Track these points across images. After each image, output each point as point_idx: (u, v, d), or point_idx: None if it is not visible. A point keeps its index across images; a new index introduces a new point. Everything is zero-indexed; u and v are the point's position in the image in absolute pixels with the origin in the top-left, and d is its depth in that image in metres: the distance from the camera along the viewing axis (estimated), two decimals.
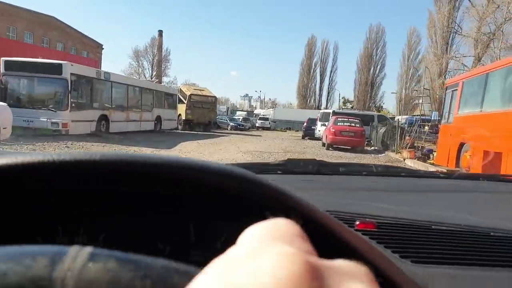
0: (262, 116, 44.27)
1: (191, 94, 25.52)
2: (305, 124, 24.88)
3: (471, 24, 37.40)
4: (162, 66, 68.08)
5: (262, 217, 0.31)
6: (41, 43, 36.31)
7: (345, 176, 1.34)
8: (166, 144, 14.62)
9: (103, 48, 48.95)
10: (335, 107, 66.68)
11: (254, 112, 56.60)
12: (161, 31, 69.41)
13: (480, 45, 35.66)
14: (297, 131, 44.59)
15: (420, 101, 19.92)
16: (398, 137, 15.63)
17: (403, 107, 53.94)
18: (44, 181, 0.37)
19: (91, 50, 45.57)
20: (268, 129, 41.54)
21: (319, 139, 22.56)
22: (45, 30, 37.02)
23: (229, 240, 0.38)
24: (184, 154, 12.09)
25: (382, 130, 18.09)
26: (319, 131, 21.87)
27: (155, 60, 69.05)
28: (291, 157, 5.86)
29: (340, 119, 16.72)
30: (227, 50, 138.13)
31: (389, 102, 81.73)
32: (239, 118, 40.15)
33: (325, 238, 0.39)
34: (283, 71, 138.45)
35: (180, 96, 26.27)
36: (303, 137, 25.22)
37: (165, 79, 62.28)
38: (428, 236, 0.68)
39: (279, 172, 1.23)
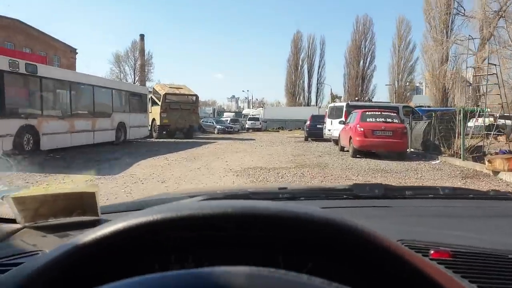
0: (252, 116, 38.87)
1: (166, 93, 20.04)
2: (308, 122, 19.56)
3: (473, 4, 32.57)
4: (145, 70, 63.37)
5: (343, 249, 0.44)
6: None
7: (412, 200, 1.25)
8: (117, 164, 9.21)
9: (76, 53, 43.29)
10: (325, 103, 62.45)
11: (243, 113, 51.20)
12: (143, 35, 64.21)
13: (485, 25, 30.86)
14: (291, 130, 39.63)
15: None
16: (458, 136, 10.48)
17: (397, 98, 49.55)
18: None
19: (63, 54, 39.86)
20: (259, 130, 36.24)
21: (328, 140, 17.31)
22: (8, 34, 31.23)
23: (314, 268, 0.45)
24: (132, 184, 6.80)
25: (422, 125, 12.90)
26: (330, 130, 16.59)
27: (137, 64, 64.34)
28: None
29: (370, 113, 11.46)
30: (211, 53, 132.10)
31: (381, 95, 77.20)
32: (227, 120, 34.67)
33: (406, 272, 0.42)
34: (269, 70, 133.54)
35: (153, 97, 20.80)
36: (306, 139, 19.94)
37: (148, 84, 57.24)
38: (505, 266, 0.64)
39: (345, 197, 1.19)
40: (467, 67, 33.00)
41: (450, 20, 38.12)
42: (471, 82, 40.00)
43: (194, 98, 21.07)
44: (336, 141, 16.18)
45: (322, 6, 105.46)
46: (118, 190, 6.16)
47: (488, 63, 12.03)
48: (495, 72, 11.97)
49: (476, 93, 39.30)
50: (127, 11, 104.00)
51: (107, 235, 0.43)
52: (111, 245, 0.43)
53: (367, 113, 11.48)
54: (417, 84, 66.08)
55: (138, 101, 17.28)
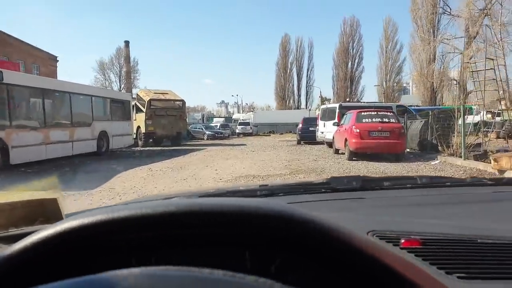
0: (242, 121, 38.09)
1: (150, 99, 19.16)
2: (300, 125, 18.85)
3: (459, 3, 32.56)
4: (131, 77, 62.37)
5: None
6: None
7: (390, 191, 1.25)
8: (95, 177, 8.39)
9: (57, 61, 42.15)
10: (315, 105, 62.01)
11: (233, 118, 50.38)
12: (128, 41, 63.36)
13: (471, 24, 30.76)
14: (282, 134, 39.01)
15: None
16: (457, 134, 9.87)
17: (385, 99, 49.40)
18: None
19: (43, 63, 38.61)
20: (250, 134, 35.53)
21: (321, 143, 16.64)
22: None
23: (283, 264, 0.46)
24: (109, 200, 6.04)
25: (418, 125, 12.28)
26: (322, 133, 15.91)
27: (122, 71, 63.39)
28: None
29: (366, 113, 10.80)
30: (198, 58, 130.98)
31: (369, 96, 77.31)
32: (217, 125, 33.85)
33: (366, 264, 0.44)
34: (258, 74, 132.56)
35: (137, 103, 19.90)
36: (298, 142, 19.23)
37: (134, 91, 56.16)
38: (474, 251, 0.65)
39: (323, 190, 1.19)
40: (463, 63, 32.91)
41: (437, 19, 38.01)
42: (457, 80, 39.95)
43: (180, 103, 20.22)
44: (330, 144, 15.50)
45: (310, 8, 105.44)
46: (93, 208, 5.34)
47: (486, 58, 11.41)
48: (493, 67, 11.39)
49: (465, 91, 39.13)
50: (111, 18, 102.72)
51: (48, 237, 0.43)
52: (58, 245, 0.43)
53: (362, 113, 10.81)
54: (404, 84, 66.28)
55: (120, 108, 16.37)
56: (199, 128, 30.31)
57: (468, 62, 12.09)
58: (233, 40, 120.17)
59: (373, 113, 10.80)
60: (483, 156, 8.96)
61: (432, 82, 38.71)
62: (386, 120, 10.50)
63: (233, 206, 0.45)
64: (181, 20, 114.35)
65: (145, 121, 19.00)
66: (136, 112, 19.89)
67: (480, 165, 8.31)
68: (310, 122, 18.57)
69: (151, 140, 19.95)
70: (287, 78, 62.07)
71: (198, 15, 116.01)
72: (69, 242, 0.43)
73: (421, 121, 12.16)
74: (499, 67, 29.85)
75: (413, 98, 52.02)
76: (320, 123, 16.20)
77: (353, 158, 10.62)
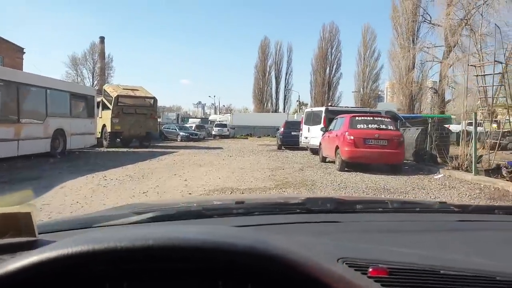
0: (219, 123, 36.32)
1: (118, 95, 17.23)
2: (281, 129, 17.37)
3: (439, 12, 32.31)
4: (105, 74, 59.61)
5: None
6: None
7: (362, 214, 1.27)
8: (32, 187, 6.61)
9: (24, 52, 39.25)
10: (292, 110, 61.17)
11: (209, 119, 48.50)
12: (103, 37, 61.24)
13: (450, 33, 30.46)
14: (260, 137, 37.57)
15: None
16: (465, 146, 8.65)
17: (362, 105, 48.97)
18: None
19: (8, 54, 35.76)
20: (227, 137, 33.86)
21: (304, 148, 15.26)
22: None
23: None
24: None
25: (414, 133, 11.03)
26: (306, 138, 14.52)
27: (96, 67, 60.69)
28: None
29: (361, 118, 9.43)
30: (177, 58, 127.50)
31: (347, 102, 77.22)
32: (192, 126, 31.98)
33: None
34: (237, 76, 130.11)
35: (104, 99, 17.93)
36: (279, 147, 17.75)
37: None
38: (437, 282, 0.66)
39: (298, 211, 1.20)
40: (442, 72, 32.37)
41: (416, 27, 37.68)
42: (435, 88, 39.65)
43: (151, 101, 18.36)
44: (314, 150, 14.15)
45: (289, 14, 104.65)
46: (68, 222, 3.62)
47: (495, 61, 10.29)
48: (501, 72, 10.29)
49: (443, 100, 38.48)
50: (86, 12, 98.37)
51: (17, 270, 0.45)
52: (33, 276, 0.45)
53: (357, 118, 9.42)
54: (379, 92, 66.58)
55: (82, 104, 14.42)
56: (172, 129, 28.39)
57: (473, 65, 11.01)
58: (212, 41, 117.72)
59: (368, 118, 9.44)
60: (495, 172, 7.73)
61: (411, 90, 38.35)
62: (384, 126, 9.15)
63: (208, 242, 0.49)
64: (160, 19, 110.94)
65: (111, 119, 17.08)
66: (102, 109, 17.95)
67: (499, 183, 7.03)
68: (293, 126, 17.15)
69: (118, 140, 18.08)
70: (266, 81, 61.46)
71: (177, 14, 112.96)
72: (43, 273, 0.44)
73: (417, 129, 10.93)
74: (479, 78, 29.33)
75: (388, 105, 52.03)
76: (304, 127, 14.80)
77: (345, 169, 9.22)
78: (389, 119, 9.68)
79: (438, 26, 31.74)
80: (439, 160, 9.69)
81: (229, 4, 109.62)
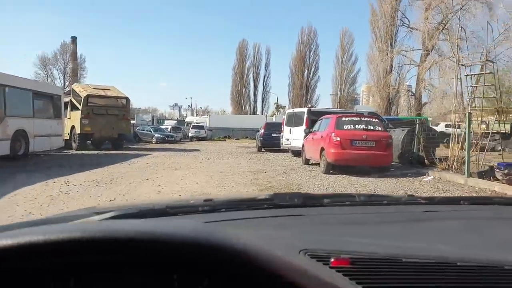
0: (196, 124, 35.34)
1: (88, 95, 16.17)
2: (261, 131, 16.73)
3: (417, 16, 32.65)
4: (77, 75, 57.48)
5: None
6: None
7: (329, 207, 1.27)
8: None
9: None
10: (270, 112, 60.86)
11: (186, 121, 47.40)
12: (75, 37, 58.87)
13: (427, 37, 30.86)
14: (238, 139, 36.90)
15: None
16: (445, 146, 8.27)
17: (340, 108, 49.13)
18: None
19: None
20: (204, 139, 33.00)
21: (285, 150, 14.70)
22: None
23: (211, 285, 0.48)
24: None
25: (399, 134, 10.63)
26: (288, 140, 13.95)
27: (67, 68, 58.50)
28: None
29: (347, 119, 8.91)
30: (154, 60, 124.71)
31: (324, 105, 77.53)
32: (168, 128, 30.94)
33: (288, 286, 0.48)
34: (214, 78, 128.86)
35: (73, 99, 16.85)
36: (259, 149, 17.11)
37: None
38: (399, 270, 0.66)
39: (265, 206, 1.17)
40: (419, 76, 32.63)
41: (395, 31, 37.97)
42: (413, 91, 40.10)
43: (124, 101, 17.36)
44: (296, 152, 13.61)
45: (268, 16, 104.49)
46: None
47: (486, 60, 10.00)
48: (492, 71, 10.01)
49: (420, 102, 38.89)
50: (58, 12, 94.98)
51: None
52: None
53: (343, 119, 8.90)
54: (356, 95, 67.39)
55: (47, 104, 13.35)
56: (147, 130, 27.28)
57: (472, 75, 10.67)
58: (189, 43, 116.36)
59: (355, 119, 8.93)
60: (488, 174, 7.35)
61: (389, 93, 38.62)
62: (371, 127, 8.66)
63: (146, 233, 0.47)
64: (137, 22, 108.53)
65: (80, 120, 16.02)
66: (71, 110, 16.86)
67: (496, 187, 6.61)
68: (273, 127, 16.56)
69: (89, 142, 17.04)
70: (244, 84, 61.03)
71: (154, 16, 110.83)
72: None
73: (403, 130, 10.53)
74: (453, 81, 29.67)
75: (364, 108, 52.57)
76: (286, 129, 14.22)
77: (331, 171, 8.68)
78: (376, 120, 9.20)
79: (416, 30, 32.06)
80: (426, 162, 9.30)
81: (207, 7, 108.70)
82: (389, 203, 1.36)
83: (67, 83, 55.60)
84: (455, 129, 9.52)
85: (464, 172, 7.71)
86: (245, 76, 61.23)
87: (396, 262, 0.67)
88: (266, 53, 62.05)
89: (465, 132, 8.05)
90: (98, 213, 0.96)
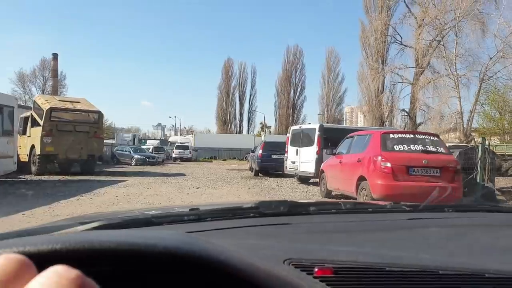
0: (180, 144, 32.30)
1: (51, 108, 13.19)
2: (259, 151, 13.98)
3: (410, 33, 31.12)
4: (58, 92, 54.34)
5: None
6: None
7: (315, 216, 1.23)
8: None
9: None
10: (256, 131, 58.57)
11: (169, 140, 44.29)
12: (56, 54, 55.45)
13: (420, 54, 29.28)
14: (225, 160, 34.06)
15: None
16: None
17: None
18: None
19: None
20: (189, 160, 30.03)
21: (289, 175, 12.04)
22: None
23: None
24: None
25: None
26: (294, 163, 11.29)
27: (47, 85, 55.38)
28: None
29: (397, 136, 6.27)
30: (138, 80, 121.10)
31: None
32: (149, 148, 27.90)
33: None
34: (199, 97, 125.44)
35: (34, 114, 13.84)
36: (256, 173, 14.33)
37: None
38: (382, 279, 0.65)
39: (251, 215, 1.14)
40: (413, 95, 30.84)
41: (386, 48, 36.36)
42: (407, 111, 38.23)
43: (96, 116, 14.40)
44: (304, 179, 10.96)
45: (253, 35, 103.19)
46: None
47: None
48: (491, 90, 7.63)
49: (414, 122, 36.82)
50: (39, 29, 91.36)
51: None
52: None
53: (391, 136, 6.28)
54: (343, 115, 66.27)
55: None
56: (126, 151, 24.16)
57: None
58: (174, 62, 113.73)
59: (409, 136, 6.33)
60: None
61: (382, 113, 36.73)
62: (432, 148, 6.07)
63: (125, 244, 0.46)
64: (121, 40, 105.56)
65: (41, 138, 12.97)
66: (32, 126, 13.84)
67: None
68: (273, 147, 13.85)
69: (56, 164, 14.01)
70: (229, 103, 58.96)
71: (138, 35, 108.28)
72: None
73: (453, 152, 7.99)
74: (452, 99, 27.53)
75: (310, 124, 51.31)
76: (291, 149, 11.56)
77: None
78: (436, 138, 6.63)
79: (409, 47, 30.50)
80: (501, 197, 6.77)
81: (192, 25, 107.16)
82: (374, 210, 1.36)
83: None
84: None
85: None
86: (231, 95, 59.24)
87: (379, 271, 0.66)
88: (252, 72, 60.32)
89: None
90: (81, 223, 0.90)
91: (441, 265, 0.70)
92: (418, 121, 35.56)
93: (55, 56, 55.94)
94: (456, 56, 25.07)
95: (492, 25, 22.71)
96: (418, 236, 1.04)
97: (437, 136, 6.68)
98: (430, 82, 29.72)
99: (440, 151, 6.12)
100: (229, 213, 1.18)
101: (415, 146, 6.06)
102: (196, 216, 1.08)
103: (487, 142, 7.90)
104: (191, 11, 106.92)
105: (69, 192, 8.25)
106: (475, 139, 8.42)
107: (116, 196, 7.90)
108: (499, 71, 22.56)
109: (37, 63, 55.83)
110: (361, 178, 6.26)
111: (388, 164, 5.79)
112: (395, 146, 6.06)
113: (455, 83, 25.90)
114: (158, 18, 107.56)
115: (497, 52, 22.06)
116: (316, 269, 0.64)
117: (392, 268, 0.67)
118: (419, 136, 6.44)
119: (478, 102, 25.04)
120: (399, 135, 6.35)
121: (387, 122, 38.67)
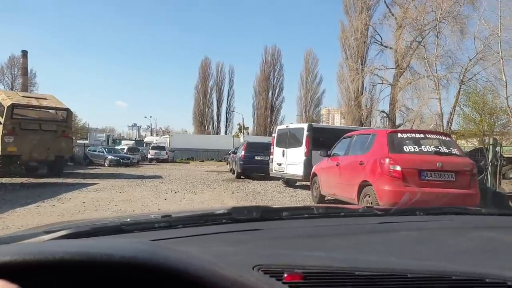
0: (155, 145, 30.95)
1: (13, 104, 11.86)
2: (242, 153, 13.10)
3: (390, 33, 30.99)
4: (28, 90, 51.69)
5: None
6: None
7: (288, 221, 1.20)
8: None
9: None
10: (234, 132, 57.64)
11: (145, 141, 42.67)
12: (26, 51, 52.75)
13: (400, 55, 29.21)
14: (203, 161, 32.96)
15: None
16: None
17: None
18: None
19: None
20: (165, 161, 28.79)
21: (274, 178, 11.26)
22: None
23: None
24: None
25: None
26: (280, 165, 10.52)
27: (16, 83, 52.75)
28: None
29: (406, 135, 5.56)
30: (112, 79, 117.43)
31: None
32: (124, 149, 26.51)
33: None
34: (175, 97, 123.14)
35: None
36: (238, 176, 13.47)
37: None
38: (352, 283, 0.65)
39: (224, 221, 1.11)
40: (392, 96, 30.79)
41: (366, 49, 36.20)
42: (387, 112, 38.27)
43: (64, 113, 13.13)
44: (291, 182, 10.23)
45: (231, 34, 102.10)
46: None
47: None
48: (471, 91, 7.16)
49: (393, 123, 36.88)
50: (6, 24, 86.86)
51: None
52: None
53: (399, 135, 5.59)
54: (321, 117, 66.53)
55: None
56: (99, 152, 22.74)
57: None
58: (150, 62, 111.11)
59: (419, 135, 5.65)
60: None
61: (361, 114, 36.59)
62: (445, 150, 5.42)
63: (80, 254, 0.45)
64: (95, 39, 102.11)
65: (2, 137, 11.65)
66: None
67: None
68: (256, 149, 13.02)
69: (23, 166, 12.80)
70: (207, 103, 57.76)
71: (113, 34, 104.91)
72: None
73: None
74: (432, 101, 27.48)
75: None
76: (277, 150, 10.76)
77: None
78: (448, 138, 5.98)
79: (389, 48, 30.41)
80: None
81: (168, 24, 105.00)
82: (346, 215, 1.34)
83: None
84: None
85: None
86: (208, 96, 58.08)
87: (349, 275, 0.66)
88: (229, 72, 59.40)
89: None
90: (47, 232, 0.88)
91: (410, 269, 0.70)
92: (397, 122, 35.65)
93: (24, 53, 53.15)
94: (437, 57, 25.03)
95: (472, 26, 22.73)
96: (388, 240, 1.03)
97: (449, 136, 6.04)
98: (410, 83, 29.61)
99: (454, 152, 5.47)
100: (201, 220, 1.14)
101: (427, 147, 5.39)
102: (167, 223, 1.03)
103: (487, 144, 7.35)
104: (167, 11, 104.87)
105: (29, 198, 7.14)
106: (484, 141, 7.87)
107: (84, 202, 6.85)
108: (478, 73, 22.60)
109: (5, 60, 53.00)
110: (364, 183, 5.52)
111: (398, 168, 5.07)
112: (404, 147, 5.35)
113: (435, 85, 25.84)
114: (133, 17, 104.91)
115: (477, 54, 22.10)
116: (285, 275, 0.63)
117: (362, 272, 0.66)
118: (430, 136, 5.78)
119: (458, 103, 25.11)
120: (408, 134, 5.66)
121: (366, 124, 38.67)
